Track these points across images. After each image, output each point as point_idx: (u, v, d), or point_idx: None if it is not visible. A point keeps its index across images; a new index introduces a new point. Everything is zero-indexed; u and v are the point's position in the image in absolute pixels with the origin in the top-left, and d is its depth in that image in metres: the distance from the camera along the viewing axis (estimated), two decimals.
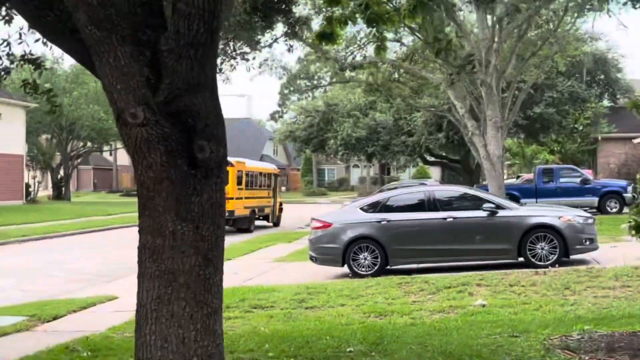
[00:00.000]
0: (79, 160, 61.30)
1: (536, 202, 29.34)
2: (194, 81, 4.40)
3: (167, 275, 4.34)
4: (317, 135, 50.24)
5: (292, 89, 45.81)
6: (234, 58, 11.73)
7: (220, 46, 11.45)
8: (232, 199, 31.87)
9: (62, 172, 58.05)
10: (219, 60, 11.96)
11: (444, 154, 48.30)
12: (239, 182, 32.98)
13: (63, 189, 57.58)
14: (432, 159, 51.35)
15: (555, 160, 52.92)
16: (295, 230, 31.72)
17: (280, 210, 38.08)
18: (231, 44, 12.28)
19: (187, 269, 4.35)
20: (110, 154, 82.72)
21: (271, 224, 36.45)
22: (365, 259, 14.93)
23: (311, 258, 15.64)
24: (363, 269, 14.91)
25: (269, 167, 40.01)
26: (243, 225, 33.25)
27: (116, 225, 35.57)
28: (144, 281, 4.39)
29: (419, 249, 14.85)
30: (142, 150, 4.28)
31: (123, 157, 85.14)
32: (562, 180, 31.03)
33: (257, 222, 35.18)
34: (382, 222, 15.00)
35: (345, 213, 15.83)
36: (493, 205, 14.78)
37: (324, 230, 15.32)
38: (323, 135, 49.61)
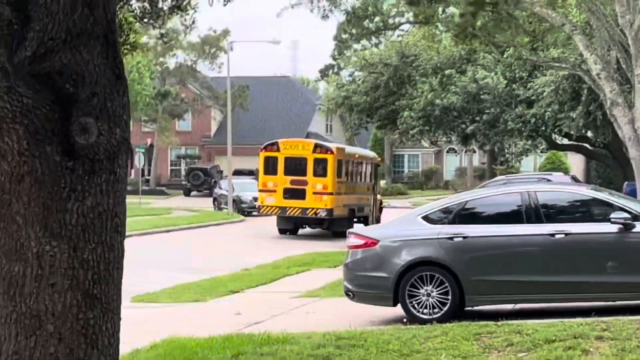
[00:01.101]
0: None
1: None
2: (76, 28, 4.45)
3: (30, 320, 4.41)
4: (386, 103, 49.95)
5: (353, 31, 45.98)
6: None
7: None
8: (331, 194, 36.81)
9: None
10: None
11: (586, 134, 47.72)
12: (339, 174, 37.76)
13: None
14: (566, 141, 50.75)
15: None
16: (344, 248, 31.86)
17: (381, 210, 42.83)
18: None
19: (59, 310, 4.42)
20: None
21: None
22: (428, 295, 14.87)
23: (347, 293, 15.68)
24: (426, 311, 14.86)
25: (369, 154, 46.00)
26: (341, 228, 36.22)
27: None
28: None
29: (511, 282, 14.72)
30: None
31: None
32: None
33: None
34: (456, 239, 14.94)
35: (400, 225, 15.81)
36: (627, 216, 14.57)
37: (366, 250, 15.34)
38: (394, 103, 49.30)
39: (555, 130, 45.82)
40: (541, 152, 76.12)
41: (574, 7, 26.08)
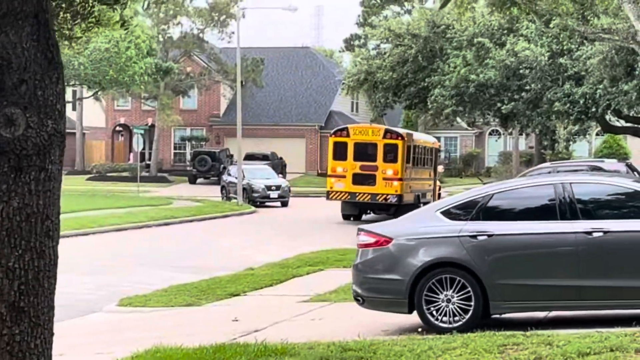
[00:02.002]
0: None
1: None
2: (2, 6, 4.47)
3: None
4: (415, 80, 50.08)
5: None
6: None
7: None
8: (401, 180, 41.83)
9: None
10: None
11: None
12: (407, 160, 42.76)
13: None
14: (622, 123, 50.49)
15: None
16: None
17: (439, 196, 46.80)
18: None
19: None
20: (73, 108, 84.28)
21: None
22: (448, 300, 14.86)
23: (356, 298, 15.68)
24: (445, 319, 14.82)
25: (430, 139, 51.82)
26: None
27: (82, 231, 37.28)
28: None
29: (542, 286, 14.66)
30: None
31: (92, 114, 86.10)
32: None
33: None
34: (480, 238, 14.89)
35: (416, 221, 15.74)
36: None
37: (377, 249, 15.29)
38: (424, 79, 49.37)
39: (608, 110, 45.52)
40: (596, 135, 75.79)
41: None
